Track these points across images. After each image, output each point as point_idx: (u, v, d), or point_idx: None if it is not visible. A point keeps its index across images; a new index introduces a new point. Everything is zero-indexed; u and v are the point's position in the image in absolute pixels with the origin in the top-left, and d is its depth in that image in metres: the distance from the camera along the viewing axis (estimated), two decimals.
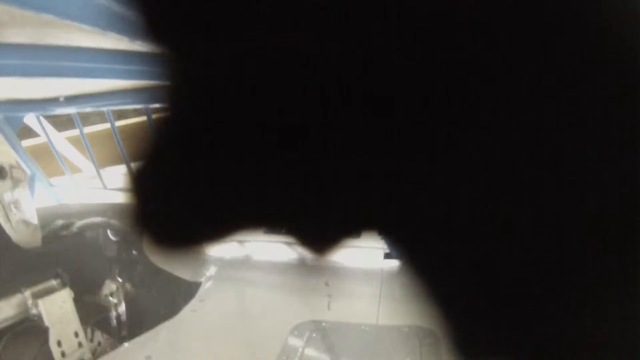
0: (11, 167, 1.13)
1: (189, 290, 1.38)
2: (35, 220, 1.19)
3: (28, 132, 1.92)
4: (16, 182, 1.13)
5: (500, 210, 0.13)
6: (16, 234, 1.11)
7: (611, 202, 0.12)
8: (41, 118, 1.78)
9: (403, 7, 0.12)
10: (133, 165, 0.14)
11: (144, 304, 1.38)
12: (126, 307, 1.35)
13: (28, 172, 1.81)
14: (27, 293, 1.04)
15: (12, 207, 1.11)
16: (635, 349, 0.13)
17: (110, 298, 1.35)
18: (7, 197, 1.10)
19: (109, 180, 1.86)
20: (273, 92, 0.13)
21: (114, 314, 1.35)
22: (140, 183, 0.15)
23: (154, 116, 0.14)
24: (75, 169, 2.06)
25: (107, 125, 1.68)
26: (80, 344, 1.09)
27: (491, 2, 0.12)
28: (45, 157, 1.93)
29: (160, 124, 0.14)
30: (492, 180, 0.13)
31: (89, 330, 1.18)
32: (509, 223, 0.13)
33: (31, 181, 1.84)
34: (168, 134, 0.14)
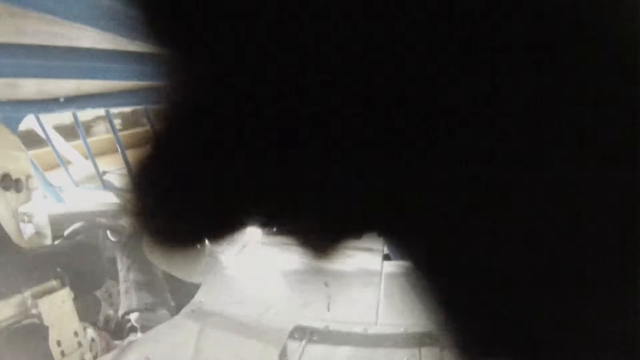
0: (27, 177, 1.12)
1: (188, 290, 1.38)
2: (48, 231, 1.18)
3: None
4: (31, 192, 1.12)
5: (500, 210, 0.13)
6: (28, 246, 1.10)
7: (611, 201, 0.12)
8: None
9: (402, 6, 0.12)
10: (133, 165, 0.14)
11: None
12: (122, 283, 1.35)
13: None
14: (27, 293, 1.04)
15: (26, 219, 1.10)
16: (635, 348, 0.13)
17: (109, 297, 1.35)
18: (22, 209, 1.09)
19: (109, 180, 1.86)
20: (273, 92, 0.13)
21: (112, 313, 1.35)
22: (140, 183, 0.15)
23: (153, 116, 0.14)
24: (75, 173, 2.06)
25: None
26: (80, 344, 1.09)
27: (492, 1, 0.12)
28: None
29: (160, 124, 0.14)
30: (492, 181, 0.13)
31: (82, 327, 1.17)
32: (509, 223, 0.13)
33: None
34: (168, 134, 0.14)
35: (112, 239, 1.44)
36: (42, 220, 1.16)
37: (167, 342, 1.15)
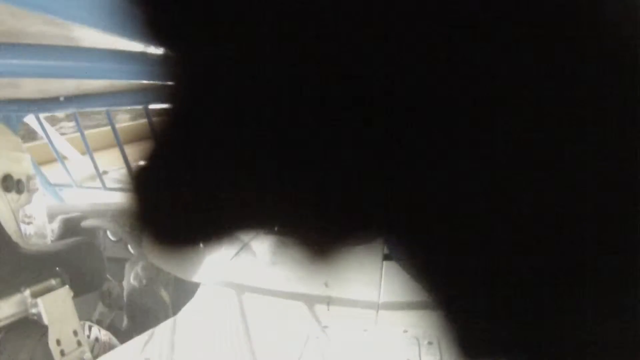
0: (29, 178, 1.11)
1: (188, 290, 1.38)
2: (47, 231, 1.18)
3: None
4: (32, 194, 1.12)
5: (500, 211, 0.13)
6: (28, 246, 1.10)
7: (611, 201, 0.12)
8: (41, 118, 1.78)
9: (402, 8, 0.12)
10: (133, 165, 0.14)
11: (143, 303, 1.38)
12: (126, 306, 1.35)
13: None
14: (27, 292, 1.04)
15: (27, 220, 1.10)
16: (635, 348, 0.13)
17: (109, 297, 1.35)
18: (23, 211, 1.09)
19: (109, 180, 1.86)
20: (273, 92, 0.13)
21: (113, 313, 1.35)
22: (140, 183, 0.15)
23: (154, 116, 0.14)
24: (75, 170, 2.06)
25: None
26: (79, 343, 1.09)
27: (492, 2, 0.12)
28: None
29: (160, 124, 0.14)
30: (492, 181, 0.13)
31: (86, 326, 1.17)
32: (509, 224, 0.13)
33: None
34: (168, 134, 0.14)
35: (112, 238, 1.44)
36: (42, 221, 1.16)
37: (167, 341, 1.15)
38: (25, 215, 1.10)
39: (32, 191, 1.12)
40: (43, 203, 1.18)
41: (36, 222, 1.13)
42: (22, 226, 1.09)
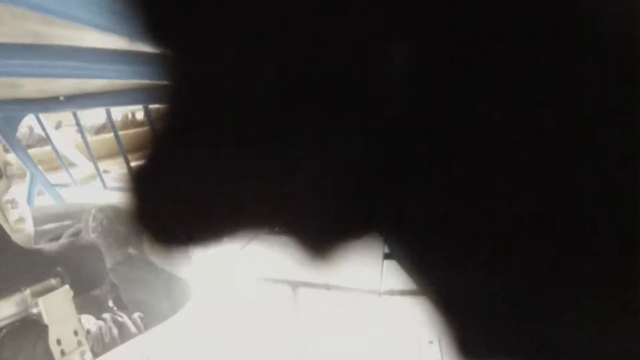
0: (5, 164, 1.13)
1: (188, 290, 1.38)
2: (29, 216, 1.19)
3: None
4: (11, 179, 1.13)
5: (500, 210, 0.13)
6: (14, 233, 1.11)
7: (610, 202, 0.12)
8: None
9: (407, 10, 0.12)
10: (133, 164, 0.15)
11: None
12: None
13: (28, 172, 1.81)
14: (27, 292, 1.04)
15: (9, 206, 1.11)
16: (635, 349, 0.13)
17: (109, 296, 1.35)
18: (5, 197, 1.10)
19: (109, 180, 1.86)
20: (273, 91, 0.13)
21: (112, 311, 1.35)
22: (140, 183, 0.15)
23: (154, 116, 0.14)
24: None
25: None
26: (79, 343, 1.09)
27: (493, 3, 0.12)
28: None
29: (160, 123, 0.14)
30: (492, 181, 0.13)
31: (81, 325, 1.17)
32: (509, 224, 0.13)
33: (31, 180, 1.84)
34: (168, 134, 0.14)
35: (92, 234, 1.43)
36: (23, 204, 1.18)
37: (167, 341, 1.15)
38: (9, 202, 1.11)
39: (10, 177, 1.13)
40: (21, 187, 1.21)
41: (18, 206, 1.14)
42: (7, 212, 1.11)
